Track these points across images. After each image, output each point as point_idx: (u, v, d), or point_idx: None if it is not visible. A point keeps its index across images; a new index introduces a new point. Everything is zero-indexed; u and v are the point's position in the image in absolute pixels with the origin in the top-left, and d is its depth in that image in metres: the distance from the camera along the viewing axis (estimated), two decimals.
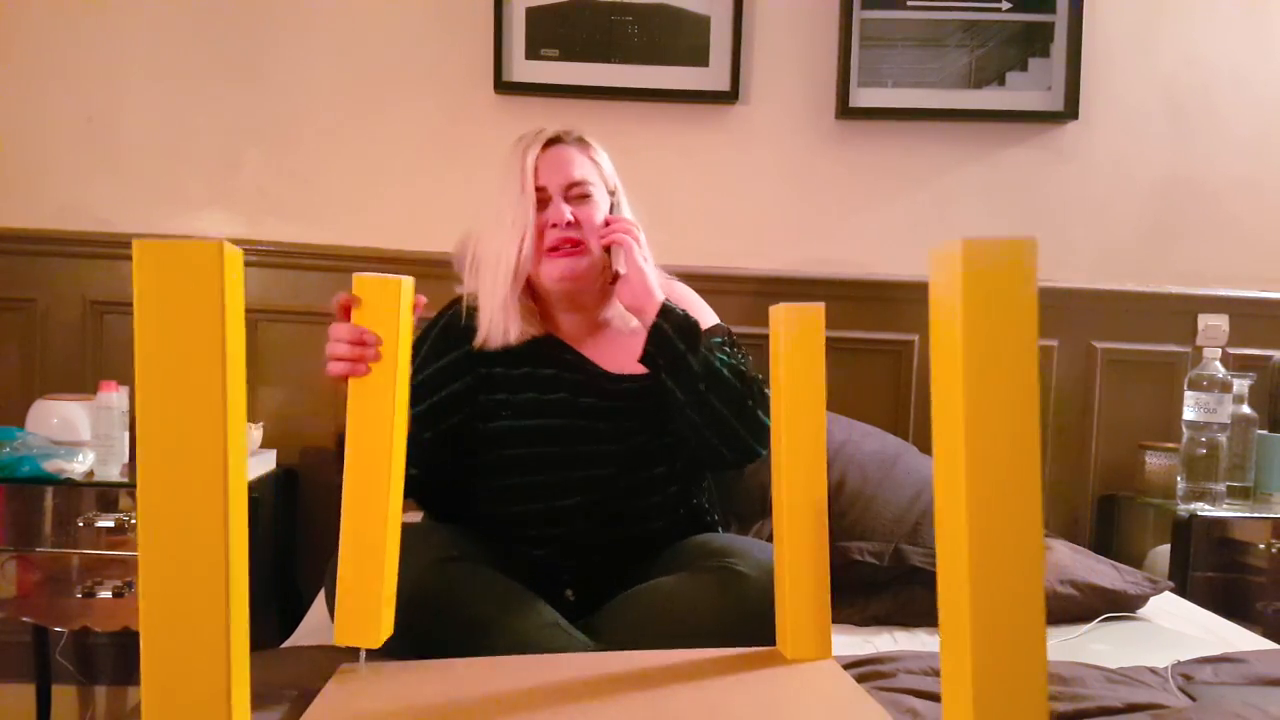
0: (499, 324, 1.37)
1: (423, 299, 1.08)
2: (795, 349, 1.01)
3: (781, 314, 1.03)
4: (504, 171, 1.39)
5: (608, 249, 1.38)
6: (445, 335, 1.43)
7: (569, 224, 1.35)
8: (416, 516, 1.48)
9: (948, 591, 0.66)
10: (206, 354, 0.66)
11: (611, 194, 1.44)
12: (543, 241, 1.36)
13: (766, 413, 1.33)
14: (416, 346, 1.38)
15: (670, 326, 1.30)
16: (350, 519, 0.99)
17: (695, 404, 1.30)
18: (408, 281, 1.05)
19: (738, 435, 1.31)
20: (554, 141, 1.40)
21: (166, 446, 0.66)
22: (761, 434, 1.33)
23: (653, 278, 1.34)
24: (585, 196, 1.39)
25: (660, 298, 1.32)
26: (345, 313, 1.04)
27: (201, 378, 0.66)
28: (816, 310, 1.03)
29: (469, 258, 1.42)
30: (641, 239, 1.37)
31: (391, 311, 1.01)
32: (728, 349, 1.36)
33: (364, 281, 1.03)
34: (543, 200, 1.37)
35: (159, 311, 0.66)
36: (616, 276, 1.38)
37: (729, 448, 1.33)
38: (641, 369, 1.37)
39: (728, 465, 1.43)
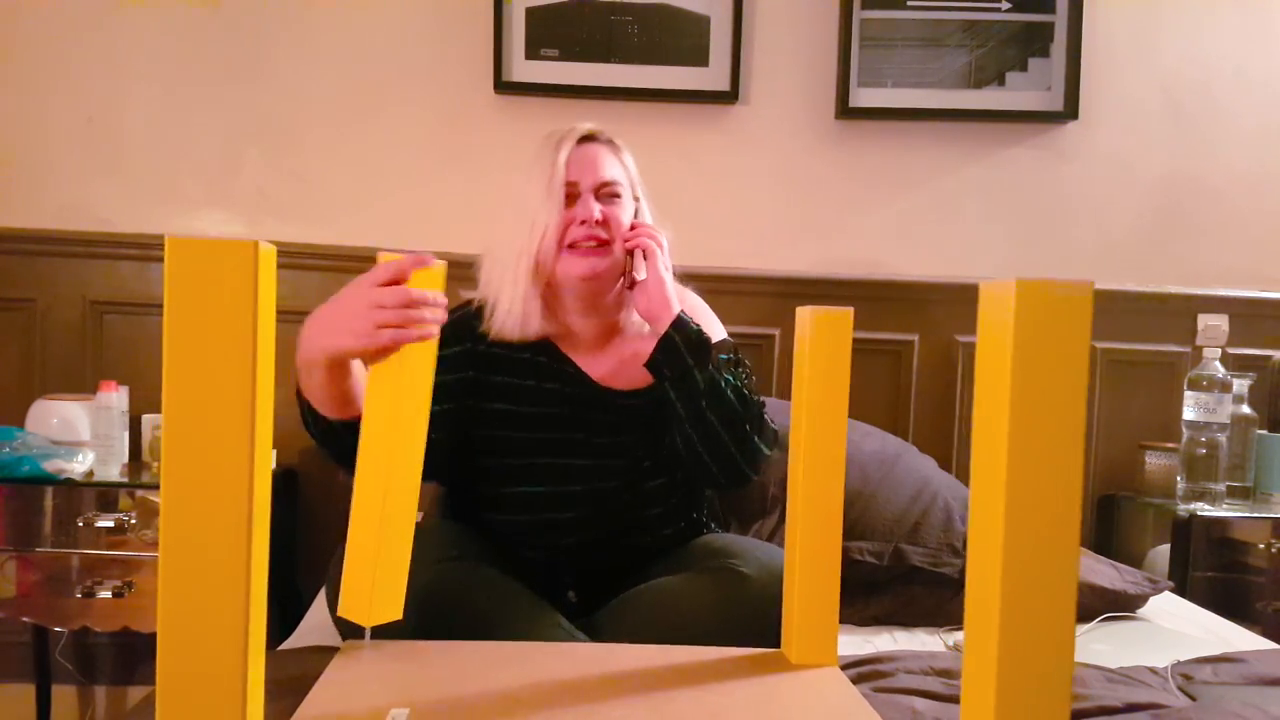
0: (517, 315, 1.35)
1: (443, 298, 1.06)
2: (820, 353, 0.98)
3: (808, 316, 1.00)
4: (532, 164, 1.37)
5: (629, 252, 1.37)
6: (455, 335, 1.41)
7: (597, 222, 1.34)
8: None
9: (976, 663, 0.66)
10: (237, 354, 0.66)
11: (635, 200, 1.42)
12: (564, 236, 1.34)
13: (762, 438, 1.33)
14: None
15: (681, 339, 1.29)
16: (361, 496, 0.99)
17: (694, 419, 1.29)
18: (439, 264, 1.03)
19: (731, 456, 1.31)
20: (587, 139, 1.39)
21: (192, 446, 0.66)
22: (754, 459, 1.33)
23: (671, 287, 1.33)
24: (615, 197, 1.37)
25: (676, 308, 1.31)
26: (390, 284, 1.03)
27: (231, 377, 0.66)
28: (845, 314, 0.99)
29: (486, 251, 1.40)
30: (665, 246, 1.36)
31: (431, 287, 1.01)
32: (734, 368, 1.35)
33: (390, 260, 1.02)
34: (571, 195, 1.35)
35: (190, 310, 0.65)
36: (634, 283, 1.36)
37: (720, 468, 1.32)
38: (642, 384, 1.36)
39: (718, 485, 1.43)
